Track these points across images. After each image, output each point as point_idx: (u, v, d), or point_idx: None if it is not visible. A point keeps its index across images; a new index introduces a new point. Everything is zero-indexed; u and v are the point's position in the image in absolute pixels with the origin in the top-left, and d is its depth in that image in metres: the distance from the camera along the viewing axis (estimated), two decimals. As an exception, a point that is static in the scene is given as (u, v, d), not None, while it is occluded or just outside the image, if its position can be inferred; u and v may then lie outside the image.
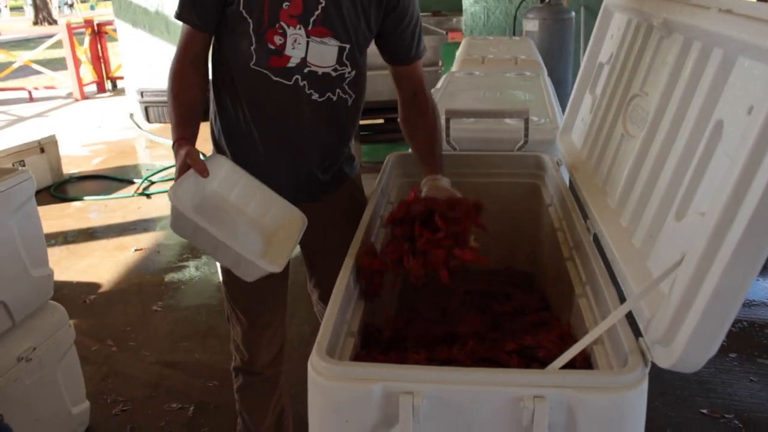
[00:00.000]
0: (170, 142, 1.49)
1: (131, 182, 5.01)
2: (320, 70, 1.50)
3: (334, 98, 1.55)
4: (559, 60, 4.96)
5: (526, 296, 1.63)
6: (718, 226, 0.83)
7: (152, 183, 4.97)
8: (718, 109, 1.00)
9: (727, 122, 0.96)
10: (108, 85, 9.30)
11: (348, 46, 1.51)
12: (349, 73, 1.54)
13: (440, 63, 4.55)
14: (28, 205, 2.05)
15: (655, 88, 1.28)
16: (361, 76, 1.58)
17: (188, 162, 1.40)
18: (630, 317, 1.01)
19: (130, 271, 3.55)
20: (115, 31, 7.91)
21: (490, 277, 1.77)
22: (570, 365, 1.00)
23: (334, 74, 1.52)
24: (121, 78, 8.73)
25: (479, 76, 2.97)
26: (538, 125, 2.08)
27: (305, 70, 1.49)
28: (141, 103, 6.93)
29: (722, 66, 1.00)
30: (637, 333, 0.98)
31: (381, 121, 4.09)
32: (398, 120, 1.69)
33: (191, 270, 3.52)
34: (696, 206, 1.00)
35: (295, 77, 1.49)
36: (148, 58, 7.22)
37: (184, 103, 1.51)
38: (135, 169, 5.40)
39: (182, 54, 1.53)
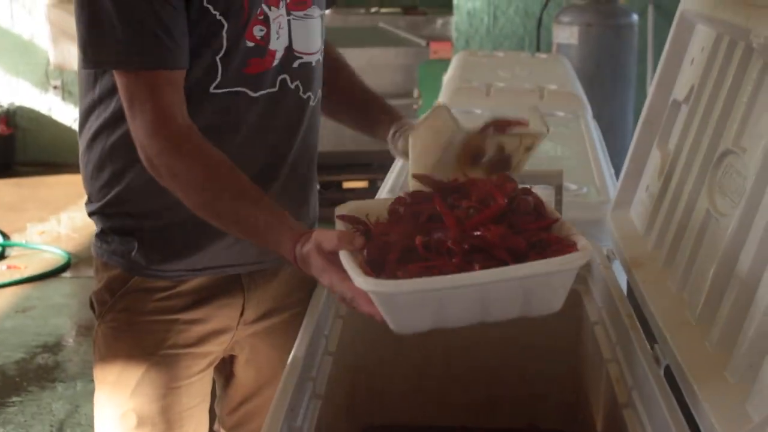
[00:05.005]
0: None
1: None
2: (312, 59, 1.25)
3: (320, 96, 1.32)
4: (613, 92, 4.34)
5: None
6: None
7: None
8: None
9: None
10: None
11: (323, 13, 1.30)
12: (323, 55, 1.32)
13: (416, 93, 3.89)
14: None
15: (757, 142, 1.10)
16: None
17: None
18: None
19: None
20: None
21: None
22: None
23: (321, 60, 1.29)
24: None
25: (482, 116, 2.51)
26: (578, 196, 1.79)
27: (294, 65, 1.22)
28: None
29: None
30: None
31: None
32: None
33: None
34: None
35: (280, 78, 1.20)
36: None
37: (237, 188, 1.09)
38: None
39: (163, 122, 1.07)
